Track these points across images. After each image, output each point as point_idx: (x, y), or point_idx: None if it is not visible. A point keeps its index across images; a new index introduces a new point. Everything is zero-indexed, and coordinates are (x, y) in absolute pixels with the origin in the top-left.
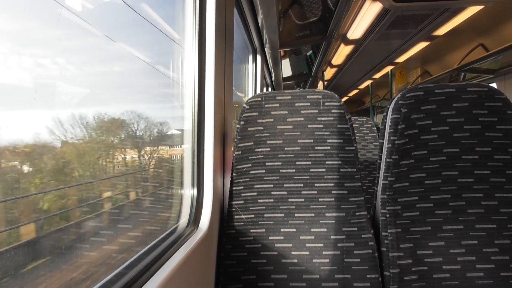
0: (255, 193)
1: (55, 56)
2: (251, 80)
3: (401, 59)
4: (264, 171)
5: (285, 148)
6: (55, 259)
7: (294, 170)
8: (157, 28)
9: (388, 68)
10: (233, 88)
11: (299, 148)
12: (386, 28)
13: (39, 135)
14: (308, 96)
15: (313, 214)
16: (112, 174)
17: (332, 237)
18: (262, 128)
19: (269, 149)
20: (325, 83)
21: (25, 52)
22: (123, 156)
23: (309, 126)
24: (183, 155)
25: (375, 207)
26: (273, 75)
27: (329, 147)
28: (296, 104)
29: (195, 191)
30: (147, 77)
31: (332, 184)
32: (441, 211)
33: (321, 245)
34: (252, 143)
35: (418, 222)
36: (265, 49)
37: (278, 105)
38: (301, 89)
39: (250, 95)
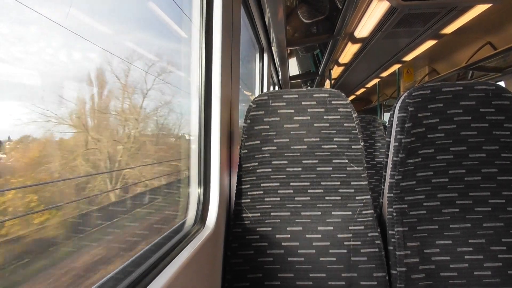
0: (262, 192)
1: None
2: (258, 79)
3: (408, 57)
4: (270, 169)
5: (292, 147)
6: None
7: (300, 169)
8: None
9: (396, 67)
10: (240, 86)
11: (305, 147)
12: (393, 26)
13: None
14: (314, 95)
15: (319, 213)
16: None
17: (338, 235)
18: (268, 126)
19: (275, 147)
20: (332, 81)
21: None
22: None
23: (315, 124)
24: (190, 153)
25: (382, 206)
26: (280, 73)
27: (335, 146)
28: (303, 103)
29: (201, 190)
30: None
31: (339, 183)
32: (448, 210)
33: (328, 243)
34: (258, 142)
35: (425, 220)
36: (272, 47)
37: (284, 103)
38: (308, 88)
39: (257, 94)
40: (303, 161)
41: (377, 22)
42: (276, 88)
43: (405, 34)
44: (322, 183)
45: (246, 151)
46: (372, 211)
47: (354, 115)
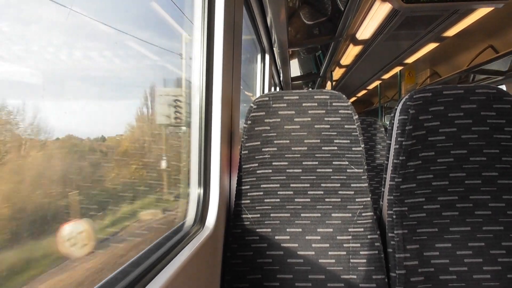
0: (262, 193)
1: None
2: (259, 80)
3: (410, 60)
4: (270, 170)
5: (292, 148)
6: None
7: (300, 170)
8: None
9: (397, 69)
10: (241, 87)
11: (306, 148)
12: (395, 28)
13: None
14: (315, 96)
15: (319, 214)
16: None
17: (338, 237)
18: (269, 128)
19: (275, 149)
20: (334, 83)
21: None
22: None
23: (316, 126)
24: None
25: (381, 208)
26: (281, 74)
27: (336, 148)
28: (304, 104)
29: (201, 190)
30: (156, 74)
31: (339, 185)
32: (448, 213)
33: (327, 245)
34: (259, 143)
35: (425, 223)
36: (274, 48)
37: (285, 105)
38: (309, 89)
39: (258, 95)
40: (303, 163)
41: (379, 24)
42: (277, 89)
43: (407, 37)
44: (322, 185)
45: (247, 152)
46: (372, 213)
47: (355, 117)
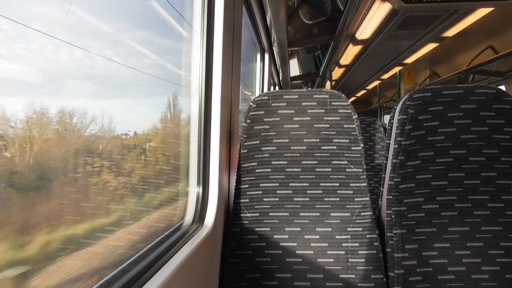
0: (261, 192)
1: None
2: (258, 79)
3: (409, 60)
4: (269, 169)
5: (291, 147)
6: None
7: (299, 169)
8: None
9: (397, 69)
10: (240, 86)
11: (305, 147)
12: (395, 28)
13: None
14: (315, 96)
15: (318, 214)
16: None
17: (337, 237)
18: (268, 126)
19: (275, 148)
20: (333, 83)
21: None
22: None
23: (315, 125)
24: (189, 152)
25: (380, 208)
26: (280, 74)
27: (335, 147)
28: (303, 104)
29: (200, 189)
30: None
31: (338, 184)
32: (447, 213)
33: (326, 244)
34: (258, 142)
35: (424, 223)
36: (273, 48)
37: (285, 104)
38: (308, 89)
39: (257, 94)
40: (303, 162)
41: (379, 24)
42: (277, 88)
43: (406, 37)
44: (321, 184)
45: (246, 150)
46: (370, 213)
47: (354, 117)
